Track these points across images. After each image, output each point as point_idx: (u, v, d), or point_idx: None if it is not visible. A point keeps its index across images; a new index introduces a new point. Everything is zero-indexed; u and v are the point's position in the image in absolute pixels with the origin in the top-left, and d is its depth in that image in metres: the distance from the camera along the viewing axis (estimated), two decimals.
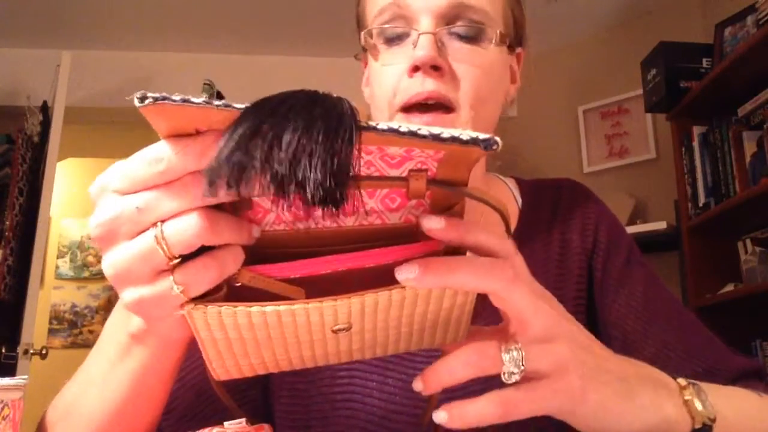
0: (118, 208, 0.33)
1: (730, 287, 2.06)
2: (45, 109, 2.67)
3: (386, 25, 0.62)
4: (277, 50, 3.08)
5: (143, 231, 0.33)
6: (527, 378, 0.37)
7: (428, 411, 0.46)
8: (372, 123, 0.29)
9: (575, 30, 2.89)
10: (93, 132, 3.28)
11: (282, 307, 0.34)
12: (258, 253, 0.38)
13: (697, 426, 0.42)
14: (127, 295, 0.34)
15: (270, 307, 0.34)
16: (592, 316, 0.67)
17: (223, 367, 0.37)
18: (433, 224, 0.35)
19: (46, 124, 2.58)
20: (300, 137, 0.27)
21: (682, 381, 0.44)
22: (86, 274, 4.15)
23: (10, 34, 2.89)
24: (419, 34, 0.59)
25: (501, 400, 0.36)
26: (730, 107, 2.11)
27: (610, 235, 0.69)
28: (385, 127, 0.29)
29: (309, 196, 0.27)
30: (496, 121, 0.65)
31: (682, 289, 2.27)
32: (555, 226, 0.70)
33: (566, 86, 2.95)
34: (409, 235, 0.38)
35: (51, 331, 4.03)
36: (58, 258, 4.15)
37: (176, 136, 0.31)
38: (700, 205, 2.17)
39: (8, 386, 0.45)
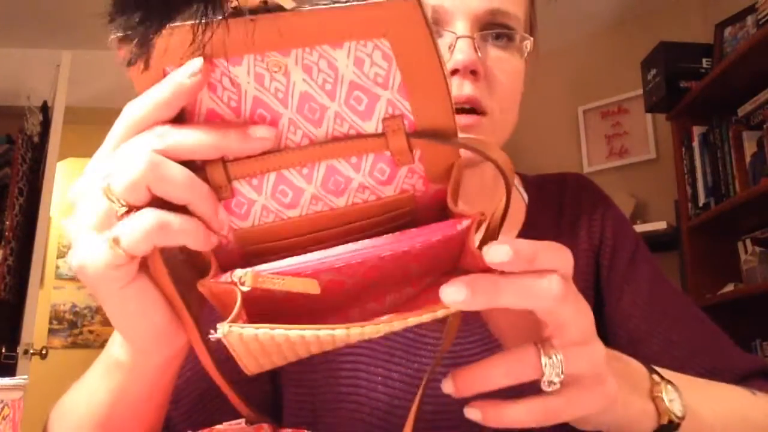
0: (94, 168, 0.33)
1: (730, 287, 2.06)
2: (45, 109, 2.67)
3: None
4: None
5: None
6: (565, 382, 0.35)
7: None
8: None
9: (575, 30, 2.89)
10: (93, 132, 3.27)
11: (322, 332, 0.32)
12: (254, 259, 0.37)
13: (663, 422, 0.42)
14: (74, 249, 0.33)
15: (309, 332, 0.32)
16: (599, 313, 0.67)
17: (256, 364, 0.36)
18: (498, 257, 0.32)
19: (46, 124, 2.58)
20: None
21: (656, 377, 0.44)
22: None
23: (10, 34, 2.89)
24: (457, 38, 0.58)
25: (542, 408, 0.35)
26: (730, 107, 2.11)
27: (616, 231, 0.69)
28: (308, 6, 0.28)
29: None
30: (514, 126, 0.65)
31: (682, 289, 2.27)
32: (562, 221, 0.70)
33: (566, 86, 2.95)
34: (407, 206, 0.36)
35: (51, 331, 4.03)
36: (58, 258, 4.15)
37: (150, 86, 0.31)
38: (700, 205, 2.17)
39: (8, 386, 0.45)
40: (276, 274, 0.33)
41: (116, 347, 0.41)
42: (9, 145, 2.61)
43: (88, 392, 0.46)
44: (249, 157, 0.32)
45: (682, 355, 0.62)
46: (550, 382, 0.34)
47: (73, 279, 4.15)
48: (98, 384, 0.44)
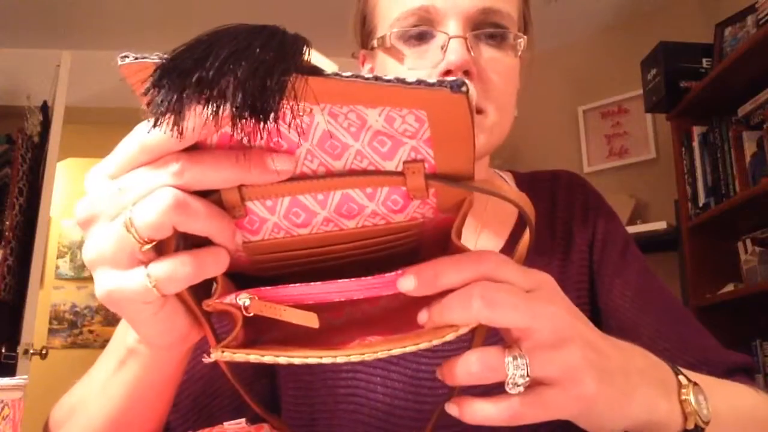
0: (102, 190, 0.32)
1: (730, 287, 2.06)
2: (45, 109, 2.67)
3: (413, 28, 0.60)
4: None
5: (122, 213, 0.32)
6: (538, 383, 0.35)
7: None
8: (339, 71, 0.28)
9: (575, 30, 2.89)
10: (93, 132, 3.28)
11: (310, 359, 0.34)
12: (260, 266, 0.37)
13: (689, 427, 0.42)
14: (100, 282, 0.33)
15: (298, 359, 0.34)
16: (594, 305, 0.67)
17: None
18: (405, 286, 0.35)
19: (46, 124, 2.58)
20: (232, 53, 0.26)
21: (683, 379, 0.43)
22: (86, 274, 4.14)
23: (10, 34, 2.89)
24: (449, 38, 0.58)
25: (507, 408, 0.35)
26: (730, 107, 2.11)
27: (607, 226, 0.70)
28: (350, 74, 0.28)
29: (234, 101, 0.26)
30: (511, 124, 0.65)
31: (682, 289, 2.27)
32: (556, 218, 0.71)
33: (566, 86, 2.95)
34: (414, 230, 0.37)
35: (51, 331, 4.03)
36: (58, 258, 4.15)
37: None
38: (700, 205, 2.17)
39: (8, 386, 0.45)
40: (278, 303, 0.34)
41: (131, 340, 0.42)
42: (9, 145, 2.60)
43: (99, 387, 0.46)
44: None
45: (671, 346, 0.62)
46: (514, 384, 0.35)
47: (73, 279, 4.15)
48: (111, 378, 0.44)
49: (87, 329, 4.08)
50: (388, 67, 0.63)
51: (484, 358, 0.35)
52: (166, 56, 0.28)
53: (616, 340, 0.41)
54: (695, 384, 0.43)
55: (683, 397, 0.42)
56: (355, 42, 0.71)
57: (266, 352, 0.34)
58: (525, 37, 0.63)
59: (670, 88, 2.22)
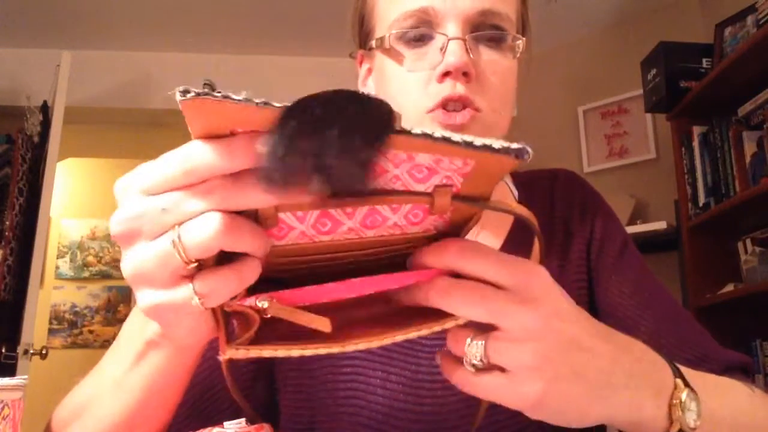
0: (142, 207, 0.32)
1: (730, 287, 2.06)
2: (45, 109, 2.67)
3: (412, 30, 0.61)
4: (277, 50, 3.08)
5: (165, 232, 0.32)
6: (489, 368, 0.38)
7: (477, 417, 0.51)
8: (406, 127, 0.29)
9: (575, 30, 2.89)
10: (93, 132, 3.28)
11: (321, 350, 0.36)
12: (273, 266, 0.38)
13: (673, 431, 0.42)
14: (144, 297, 0.34)
15: (309, 351, 0.36)
16: (593, 302, 0.68)
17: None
18: (421, 260, 0.38)
19: (46, 124, 2.58)
20: (341, 138, 0.27)
21: (680, 382, 0.43)
22: (86, 274, 4.15)
23: (10, 34, 2.89)
24: (449, 40, 0.59)
25: (465, 378, 0.39)
26: (730, 107, 2.11)
27: (605, 225, 0.71)
28: (419, 132, 0.29)
29: (339, 184, 0.28)
30: (509, 124, 0.66)
31: (682, 289, 2.27)
32: (555, 216, 0.71)
33: (566, 86, 2.95)
34: (424, 239, 0.39)
35: (51, 331, 4.03)
36: (58, 258, 4.15)
37: (209, 137, 0.31)
38: (700, 205, 2.17)
39: (8, 386, 0.45)
40: (294, 303, 0.35)
41: (150, 333, 0.42)
42: (9, 145, 2.60)
43: (112, 383, 0.47)
44: None
45: (670, 343, 0.62)
46: (469, 362, 0.39)
47: (73, 279, 4.15)
48: (128, 372, 0.45)
49: (87, 329, 4.09)
50: (386, 67, 0.63)
51: (452, 334, 0.40)
52: (233, 96, 0.28)
53: (614, 336, 0.41)
54: (691, 389, 0.43)
55: (674, 401, 0.42)
56: (354, 42, 0.71)
57: (278, 346, 0.35)
58: (523, 38, 0.63)
59: (670, 88, 2.22)
